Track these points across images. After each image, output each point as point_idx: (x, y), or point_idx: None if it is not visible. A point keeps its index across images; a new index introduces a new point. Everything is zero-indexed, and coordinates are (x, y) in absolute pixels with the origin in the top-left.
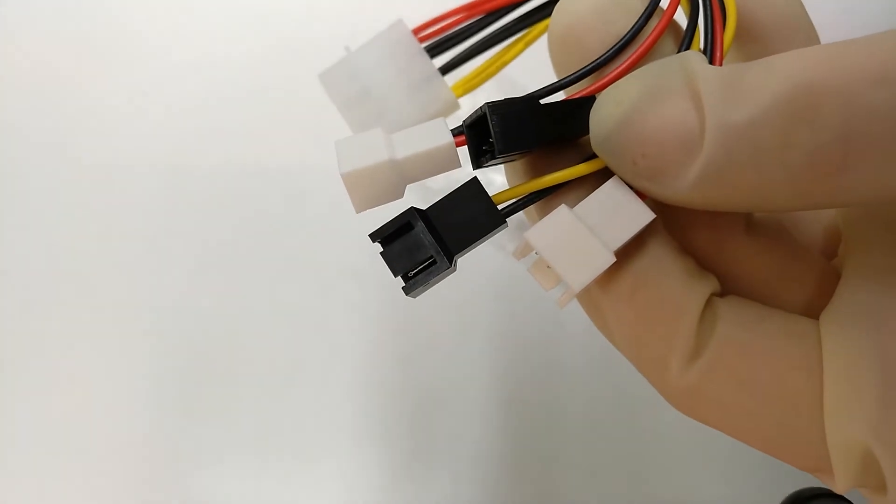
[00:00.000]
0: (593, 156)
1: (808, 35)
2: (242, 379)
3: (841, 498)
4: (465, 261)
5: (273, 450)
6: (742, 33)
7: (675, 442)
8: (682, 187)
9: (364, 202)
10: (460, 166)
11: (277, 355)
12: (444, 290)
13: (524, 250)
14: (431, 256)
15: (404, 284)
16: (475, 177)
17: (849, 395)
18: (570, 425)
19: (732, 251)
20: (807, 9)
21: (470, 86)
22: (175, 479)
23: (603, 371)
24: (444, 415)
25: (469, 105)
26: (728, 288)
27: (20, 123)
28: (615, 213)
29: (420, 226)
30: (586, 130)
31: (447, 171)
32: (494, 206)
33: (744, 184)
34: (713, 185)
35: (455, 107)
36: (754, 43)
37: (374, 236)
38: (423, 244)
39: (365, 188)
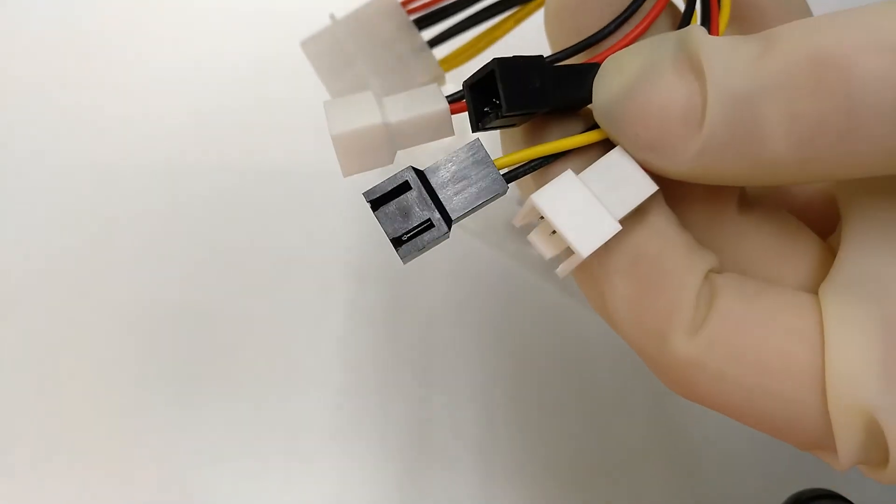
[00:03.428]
0: (596, 125)
1: (801, 12)
2: (242, 379)
3: (841, 498)
4: (465, 260)
5: (272, 450)
6: (737, 12)
7: (675, 442)
8: (684, 160)
9: (352, 166)
10: (453, 134)
11: (277, 355)
12: (444, 290)
13: (528, 215)
14: (429, 219)
15: (399, 248)
16: (477, 138)
17: (852, 363)
18: (570, 425)
19: (727, 228)
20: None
21: (458, 61)
22: (174, 479)
23: (604, 371)
24: (444, 415)
25: (456, 81)
26: (724, 266)
27: (19, 123)
28: (618, 182)
29: (418, 186)
30: (589, 99)
31: (439, 138)
32: (497, 171)
33: (746, 155)
34: (715, 157)
35: (442, 82)
36: (749, 21)
37: (369, 194)
38: (422, 206)
39: (355, 151)
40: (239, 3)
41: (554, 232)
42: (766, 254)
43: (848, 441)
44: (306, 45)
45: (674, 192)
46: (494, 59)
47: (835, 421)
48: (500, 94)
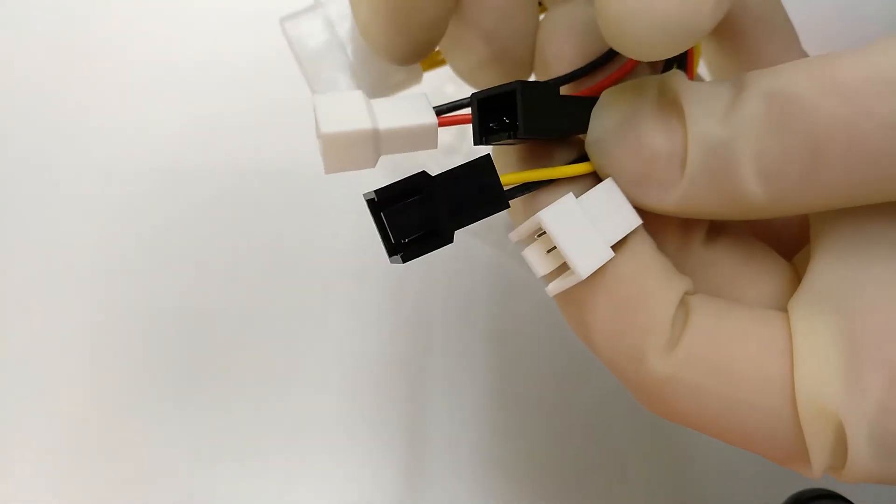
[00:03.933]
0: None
1: (785, 32)
2: (242, 379)
3: (841, 498)
4: (466, 260)
5: (272, 450)
6: (724, 34)
7: (675, 441)
8: (670, 199)
9: (336, 165)
10: (436, 147)
11: (277, 355)
12: (444, 290)
13: (528, 231)
14: (434, 228)
15: (401, 252)
16: (489, 154)
17: (818, 370)
18: (571, 425)
19: (695, 257)
20: (807, 7)
21: (437, 60)
22: (174, 479)
23: (603, 370)
24: (444, 415)
25: (431, 80)
26: (697, 289)
27: (19, 124)
28: (609, 212)
29: (428, 193)
30: (585, 129)
31: (422, 149)
32: (502, 187)
33: (724, 194)
34: (696, 196)
35: (418, 79)
36: (736, 42)
37: (381, 193)
38: (430, 213)
39: (341, 152)
40: (239, 3)
41: (550, 250)
42: (732, 280)
43: (818, 446)
44: (286, 24)
45: (649, 220)
46: (518, 81)
47: (805, 428)
48: (518, 117)
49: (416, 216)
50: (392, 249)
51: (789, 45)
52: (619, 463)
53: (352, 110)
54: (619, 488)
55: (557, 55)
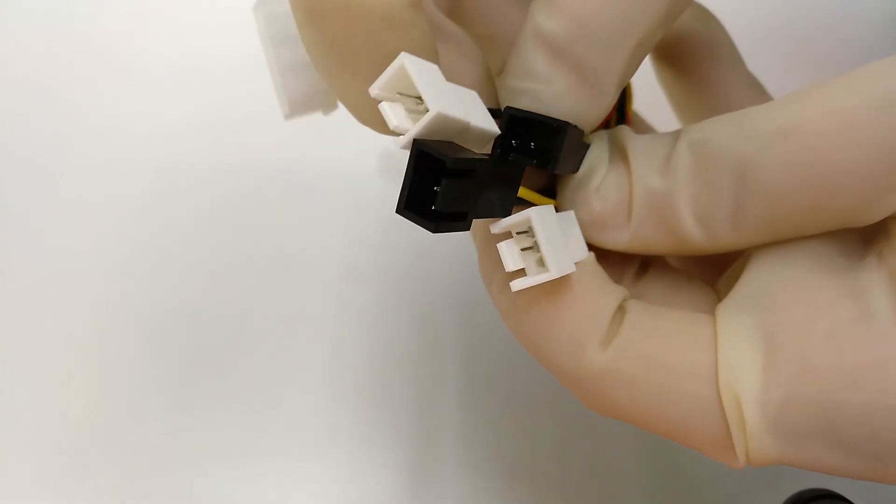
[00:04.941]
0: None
1: (731, 58)
2: (242, 379)
3: (842, 498)
4: (465, 260)
5: (272, 450)
6: (678, 68)
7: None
8: (622, 239)
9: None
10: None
11: (277, 355)
12: (444, 290)
13: (511, 227)
14: (467, 212)
15: (438, 222)
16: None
17: (736, 361)
18: (575, 425)
19: (630, 286)
20: (805, 9)
21: None
22: (174, 479)
23: None
24: (444, 415)
25: None
26: None
27: (19, 124)
28: (569, 234)
29: (481, 181)
30: (576, 169)
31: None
32: (516, 198)
33: (669, 235)
34: (644, 238)
35: None
36: (689, 74)
37: (456, 162)
38: (475, 198)
39: (434, 132)
40: (240, 3)
41: (523, 250)
42: (666, 295)
43: (739, 433)
44: (261, 5)
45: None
46: (565, 121)
47: (728, 416)
48: (556, 156)
49: (464, 196)
50: (428, 214)
51: (736, 70)
52: (616, 461)
53: (462, 100)
54: (619, 488)
55: None
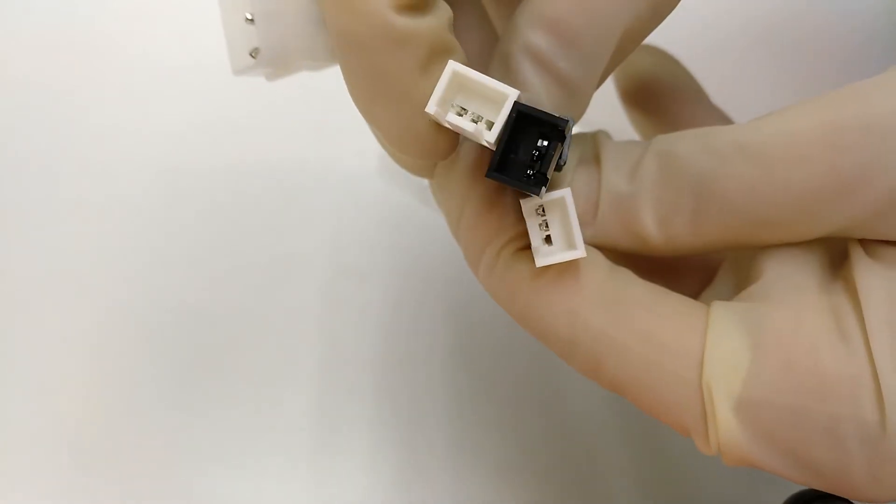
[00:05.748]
0: None
1: (697, 96)
2: (241, 379)
3: (842, 499)
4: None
5: (272, 450)
6: (648, 110)
7: (674, 441)
8: (588, 234)
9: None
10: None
11: (277, 355)
12: (444, 290)
13: (545, 204)
14: (546, 175)
15: (544, 185)
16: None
17: (723, 357)
18: (574, 426)
19: None
20: (803, 10)
21: None
22: (174, 479)
23: None
24: (445, 415)
25: None
26: None
27: (19, 124)
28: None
29: (562, 147)
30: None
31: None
32: (546, 178)
33: (628, 233)
34: (605, 233)
35: None
36: (658, 114)
37: (560, 121)
38: (552, 162)
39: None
40: None
41: (542, 227)
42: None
43: (713, 424)
44: None
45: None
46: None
47: (707, 405)
48: (562, 151)
49: (541, 157)
50: (537, 179)
51: (700, 104)
52: (615, 461)
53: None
54: (614, 487)
55: None
